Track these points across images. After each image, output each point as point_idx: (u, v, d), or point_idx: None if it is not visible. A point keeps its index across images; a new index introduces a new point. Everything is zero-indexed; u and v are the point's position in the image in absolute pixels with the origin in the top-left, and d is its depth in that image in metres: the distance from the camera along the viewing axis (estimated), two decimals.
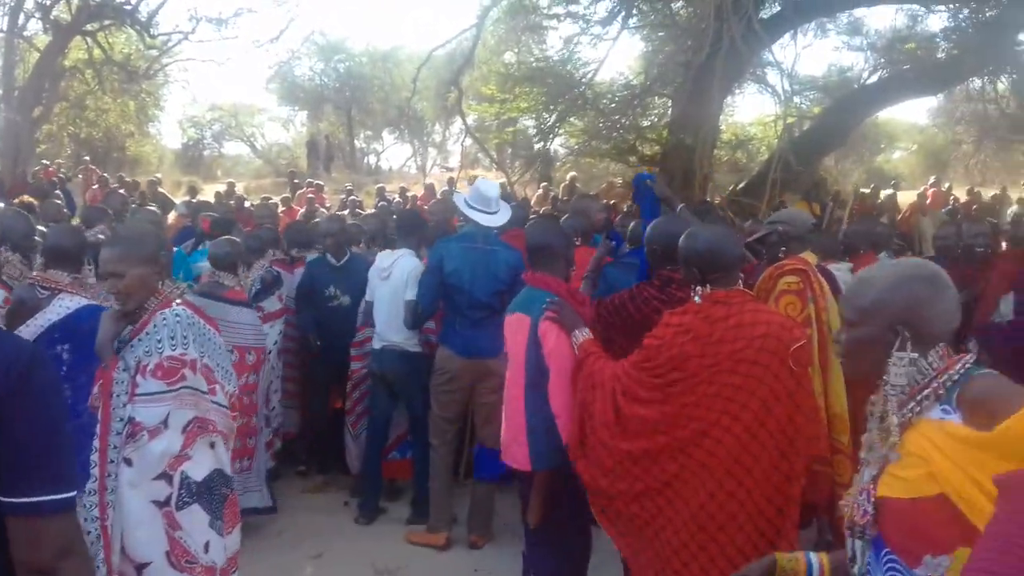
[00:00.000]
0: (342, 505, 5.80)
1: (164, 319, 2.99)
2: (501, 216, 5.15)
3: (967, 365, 1.97)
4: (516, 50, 24.69)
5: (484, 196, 5.09)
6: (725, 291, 3.15)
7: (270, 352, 5.53)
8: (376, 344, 5.47)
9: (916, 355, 1.98)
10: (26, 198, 8.74)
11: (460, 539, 5.18)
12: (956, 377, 1.97)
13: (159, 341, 2.96)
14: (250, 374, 5.08)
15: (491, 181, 5.67)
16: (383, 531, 5.35)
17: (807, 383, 3.18)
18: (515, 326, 3.54)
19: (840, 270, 5.53)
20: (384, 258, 5.53)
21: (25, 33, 22.23)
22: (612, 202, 13.89)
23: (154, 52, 23.64)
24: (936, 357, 2.00)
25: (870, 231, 6.42)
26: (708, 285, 3.14)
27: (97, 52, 22.08)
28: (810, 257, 4.26)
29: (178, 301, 3.09)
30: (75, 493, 1.64)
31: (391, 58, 35.85)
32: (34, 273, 3.84)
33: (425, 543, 5.12)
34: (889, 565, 1.97)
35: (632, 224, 5.89)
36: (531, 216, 9.22)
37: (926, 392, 1.98)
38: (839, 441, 3.99)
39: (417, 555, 5.02)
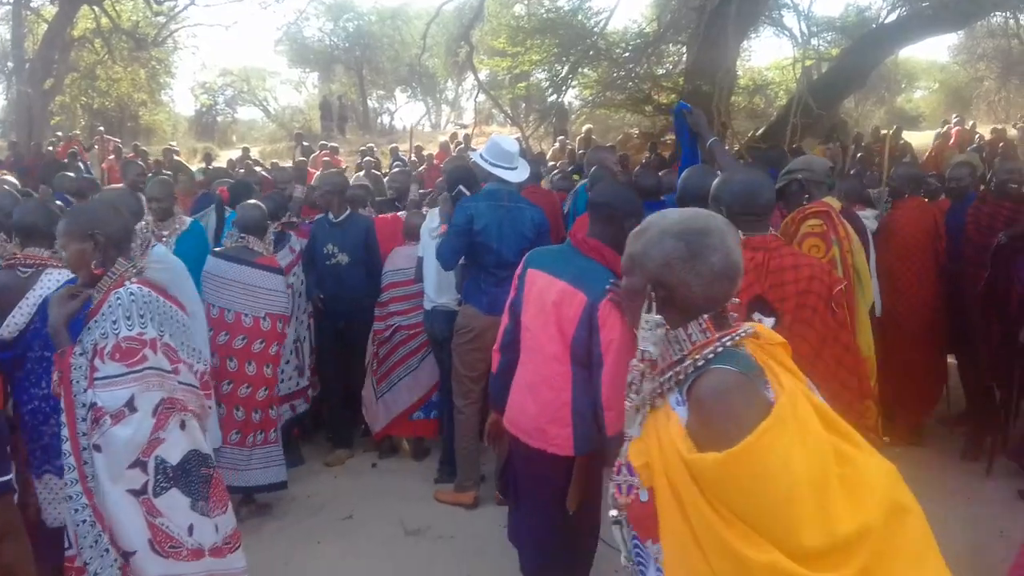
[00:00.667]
0: (370, 467, 5.81)
1: (118, 298, 2.88)
2: (522, 171, 5.06)
3: (718, 350, 1.72)
4: (526, 2, 24.40)
5: (504, 151, 4.96)
6: (761, 236, 3.08)
7: (298, 300, 5.66)
8: (427, 304, 5.48)
9: (660, 319, 1.75)
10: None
11: (487, 497, 5.19)
12: (700, 363, 1.72)
13: (114, 322, 2.84)
14: (275, 344, 5.04)
15: (508, 136, 5.54)
16: (411, 491, 5.37)
17: (849, 325, 3.15)
18: (565, 298, 3.08)
19: (867, 217, 5.48)
20: (433, 216, 5.48)
21: (32, 4, 22.17)
22: (627, 154, 13.76)
23: (161, 18, 23.55)
24: (697, 330, 1.75)
25: (916, 174, 6.36)
26: (741, 231, 3.02)
27: (105, 21, 22.01)
28: (833, 202, 4.17)
29: (133, 280, 2.97)
30: (7, 477, 1.57)
31: (400, 15, 35.47)
32: (14, 253, 3.75)
33: (454, 502, 5.13)
34: (634, 543, 1.89)
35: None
36: (549, 170, 9.12)
37: (677, 370, 1.75)
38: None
39: (446, 513, 5.03)
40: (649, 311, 1.76)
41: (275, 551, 4.63)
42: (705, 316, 1.75)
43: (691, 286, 1.74)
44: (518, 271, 3.39)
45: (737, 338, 1.75)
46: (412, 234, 5.82)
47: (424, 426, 5.90)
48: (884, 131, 17.23)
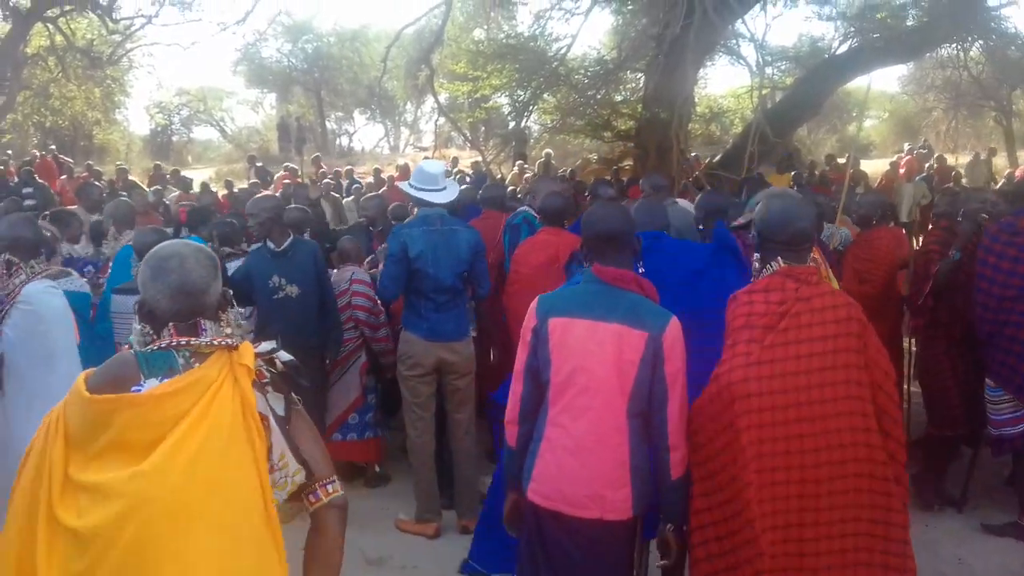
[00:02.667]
0: None
1: None
2: (449, 192, 5.08)
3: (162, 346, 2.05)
4: (486, 27, 24.52)
5: (429, 174, 5.03)
6: (800, 267, 2.91)
7: None
8: None
9: (142, 325, 2.08)
10: None
11: (450, 524, 5.14)
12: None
13: None
14: None
15: (434, 160, 5.60)
16: (369, 519, 5.28)
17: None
18: (624, 340, 2.81)
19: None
20: None
21: None
22: (582, 180, 13.83)
23: (117, 37, 23.25)
24: (167, 334, 2.06)
25: (885, 201, 6.44)
26: (781, 258, 2.91)
27: (59, 38, 21.73)
28: None
29: None
30: None
31: (359, 37, 35.46)
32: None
33: (416, 532, 5.07)
34: None
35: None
36: (511, 195, 9.12)
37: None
38: None
39: (406, 543, 4.97)
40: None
41: None
42: (171, 324, 2.05)
43: (158, 301, 2.06)
44: (531, 324, 2.97)
45: (171, 344, 2.03)
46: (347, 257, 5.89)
47: (354, 449, 5.82)
48: (840, 159, 17.58)
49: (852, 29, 16.49)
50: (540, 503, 2.91)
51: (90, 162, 20.39)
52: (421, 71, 18.25)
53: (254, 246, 5.62)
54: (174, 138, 37.31)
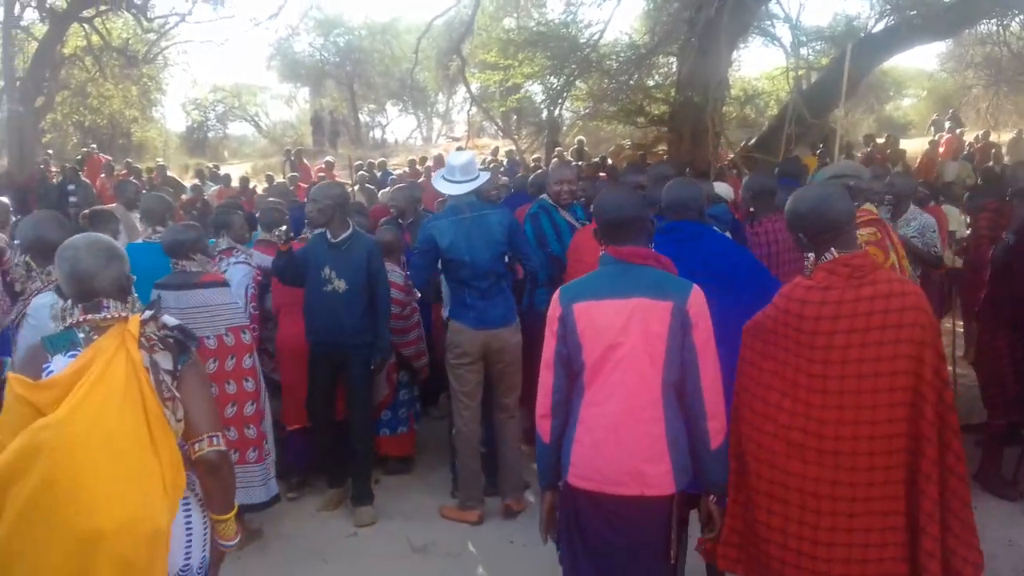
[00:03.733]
0: (373, 484, 5.77)
1: None
2: (470, 184, 5.02)
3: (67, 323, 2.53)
4: (516, 15, 24.48)
5: (450, 166, 5.11)
6: (849, 254, 2.79)
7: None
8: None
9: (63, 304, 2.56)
10: None
11: (493, 510, 5.17)
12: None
13: None
14: (247, 355, 4.81)
15: (462, 152, 5.51)
16: (416, 507, 5.34)
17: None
18: (649, 314, 2.82)
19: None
20: None
21: (22, 22, 22.11)
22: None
23: (152, 36, 23.49)
24: (75, 313, 2.50)
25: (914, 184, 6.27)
26: (830, 249, 2.80)
27: (95, 38, 21.95)
28: (873, 209, 4.16)
29: None
30: None
31: (390, 30, 35.51)
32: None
33: (459, 519, 5.11)
34: None
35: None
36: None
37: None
38: None
39: (452, 530, 5.01)
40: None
41: (279, 569, 4.60)
42: (79, 305, 2.48)
43: (63, 284, 2.53)
44: (556, 313, 2.97)
45: (73, 322, 2.49)
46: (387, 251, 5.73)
47: (393, 443, 5.88)
48: (879, 139, 17.31)
49: (889, 7, 16.21)
50: (581, 486, 2.90)
51: (129, 159, 20.69)
52: (452, 61, 18.31)
53: (316, 231, 5.41)
54: (210, 134, 37.64)
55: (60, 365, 2.43)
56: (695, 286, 2.85)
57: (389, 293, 5.27)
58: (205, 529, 2.70)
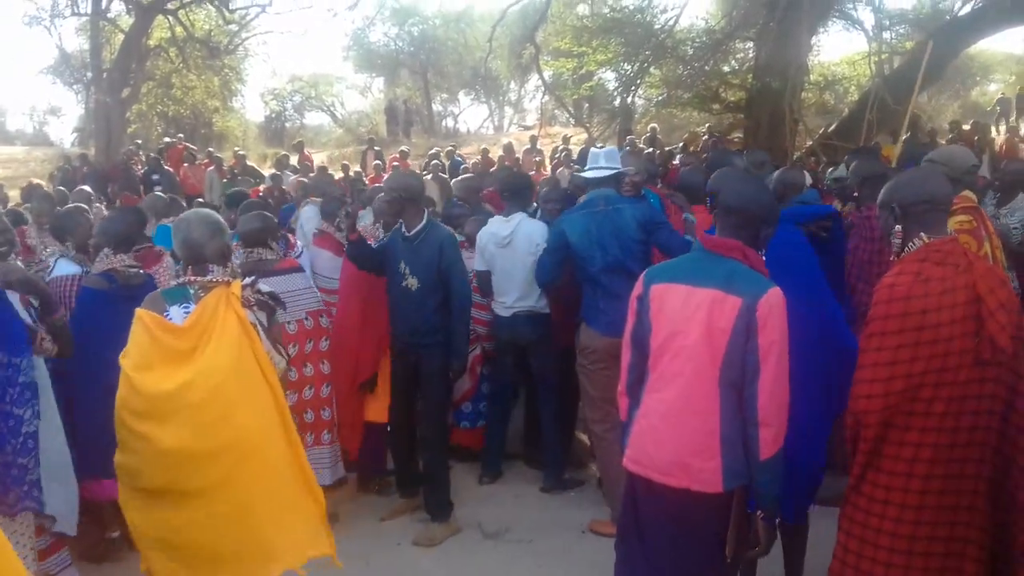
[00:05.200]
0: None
1: None
2: (600, 170, 4.81)
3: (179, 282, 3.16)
4: (590, 2, 24.30)
5: (594, 155, 4.93)
6: (940, 240, 2.69)
7: None
8: (504, 312, 5.35)
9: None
10: None
11: (565, 502, 5.18)
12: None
13: None
14: (324, 338, 4.92)
15: (603, 148, 5.35)
16: (487, 494, 5.38)
17: None
18: (716, 307, 2.73)
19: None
20: (500, 225, 5.37)
21: (109, 15, 22.84)
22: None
23: (233, 27, 24.03)
24: (185, 274, 3.16)
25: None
26: (919, 234, 2.71)
27: (179, 30, 22.54)
28: (971, 196, 4.02)
29: None
30: None
31: (464, 18, 35.67)
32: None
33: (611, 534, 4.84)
34: None
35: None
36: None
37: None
38: None
39: (523, 517, 5.03)
40: None
41: (354, 551, 4.66)
42: (189, 267, 3.13)
43: (177, 250, 3.20)
44: (636, 292, 2.96)
45: (185, 280, 3.13)
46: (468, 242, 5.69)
47: (468, 436, 5.85)
48: (966, 126, 16.74)
49: None
50: (633, 469, 2.91)
51: (211, 148, 21.19)
52: (526, 49, 18.26)
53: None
54: (287, 124, 38.36)
55: (176, 313, 3.03)
56: (774, 288, 2.72)
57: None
58: None
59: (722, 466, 2.73)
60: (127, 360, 2.93)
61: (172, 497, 2.94)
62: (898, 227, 2.74)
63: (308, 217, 6.80)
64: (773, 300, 2.70)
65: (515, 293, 5.30)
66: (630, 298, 3.00)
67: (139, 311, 2.98)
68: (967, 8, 15.77)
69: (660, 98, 17.60)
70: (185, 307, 3.03)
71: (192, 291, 3.06)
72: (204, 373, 2.88)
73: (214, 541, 2.96)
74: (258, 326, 3.10)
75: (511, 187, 5.50)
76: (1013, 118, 22.80)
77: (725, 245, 2.84)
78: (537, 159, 17.15)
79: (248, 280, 3.18)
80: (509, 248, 5.27)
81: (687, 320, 2.77)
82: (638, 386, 2.96)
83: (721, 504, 2.79)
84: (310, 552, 3.12)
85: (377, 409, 5.21)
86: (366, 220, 6.14)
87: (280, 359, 3.17)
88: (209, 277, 3.08)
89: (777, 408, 2.70)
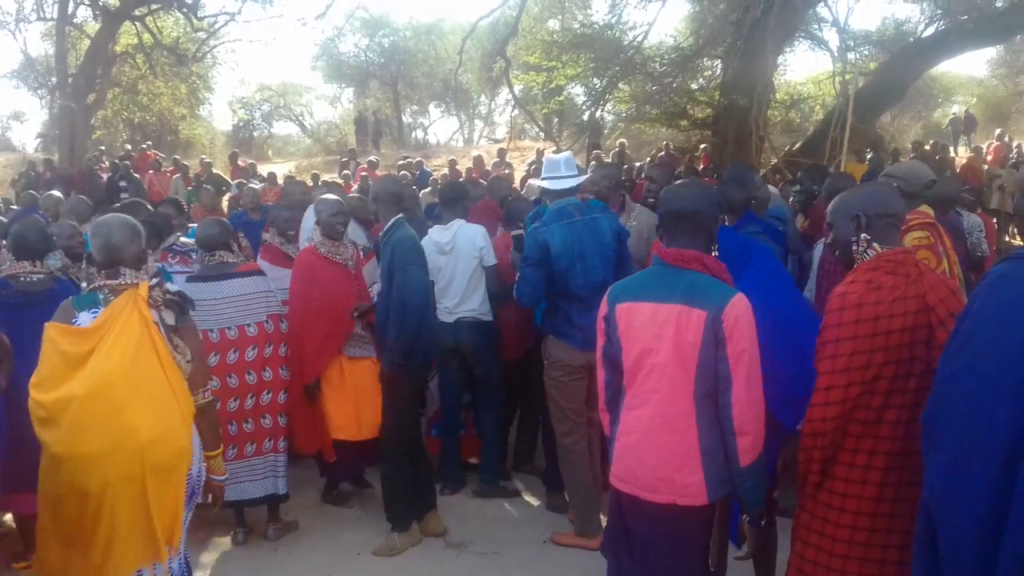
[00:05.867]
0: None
1: None
2: (574, 179, 4.67)
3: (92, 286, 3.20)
4: (560, 17, 24.49)
5: (551, 161, 4.75)
6: (892, 250, 2.70)
7: None
8: (447, 318, 5.27)
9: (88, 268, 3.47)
10: None
11: (530, 515, 5.17)
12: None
13: None
14: (283, 343, 4.83)
15: (559, 152, 5.29)
16: (451, 505, 5.34)
17: None
18: (682, 321, 2.73)
19: None
20: (441, 232, 5.36)
21: (75, 20, 22.61)
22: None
23: (202, 34, 23.89)
24: (98, 279, 3.18)
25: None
26: (875, 243, 2.72)
27: (147, 36, 22.40)
28: (928, 211, 4.07)
29: None
30: None
31: (435, 31, 35.76)
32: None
33: (582, 546, 4.61)
34: None
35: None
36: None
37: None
38: None
39: (487, 529, 5.01)
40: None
41: (316, 563, 4.64)
42: (102, 272, 3.14)
43: (95, 253, 3.17)
44: (602, 312, 2.96)
45: (96, 285, 3.16)
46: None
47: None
48: (927, 147, 17.05)
49: (939, 11, 15.99)
50: (619, 487, 2.91)
51: (176, 156, 21.00)
52: (496, 63, 18.33)
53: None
54: (255, 133, 38.15)
55: (85, 319, 3.07)
56: (738, 295, 2.73)
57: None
58: (200, 450, 3.32)
59: (705, 479, 2.75)
60: (34, 376, 3.01)
61: (71, 499, 2.99)
62: (864, 235, 2.77)
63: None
64: (739, 309, 2.71)
65: (456, 298, 5.28)
66: (598, 318, 3.00)
67: (47, 325, 3.03)
68: (930, 30, 16.12)
69: (629, 113, 17.73)
70: (94, 312, 3.08)
71: (102, 296, 3.10)
72: (91, 374, 2.93)
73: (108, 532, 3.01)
74: (161, 326, 3.12)
75: (447, 197, 5.52)
76: (970, 137, 23.27)
77: (683, 257, 2.83)
78: (506, 172, 17.19)
79: (155, 280, 3.21)
80: (452, 254, 5.28)
81: (656, 337, 2.78)
82: (616, 402, 2.98)
83: (705, 516, 2.82)
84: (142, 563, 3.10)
85: (341, 425, 5.01)
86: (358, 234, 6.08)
87: (181, 358, 3.17)
88: (119, 281, 3.11)
89: (754, 416, 2.72)
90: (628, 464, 2.87)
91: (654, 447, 2.80)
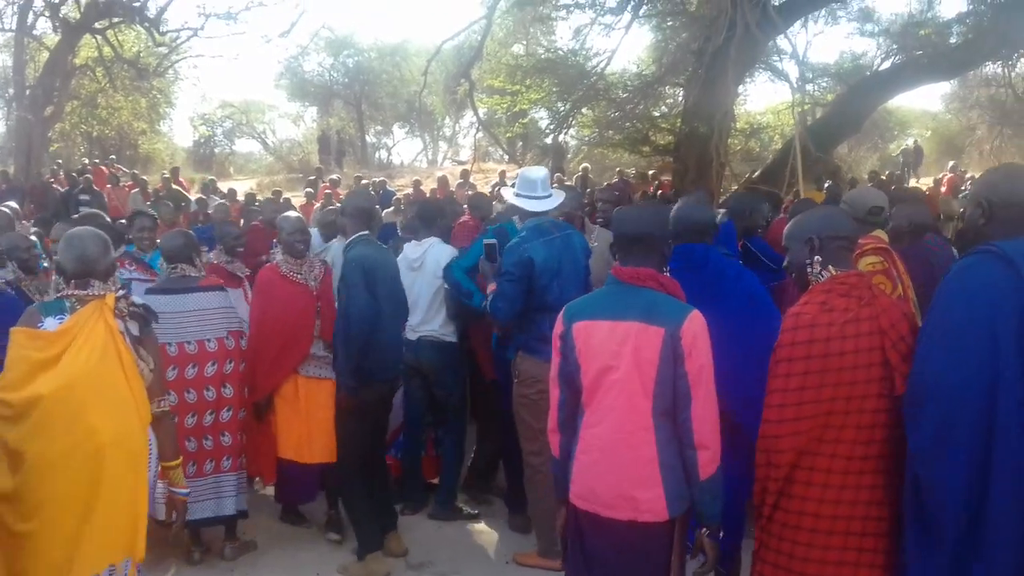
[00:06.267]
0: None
1: None
2: (553, 200, 4.70)
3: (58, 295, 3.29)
4: (525, 42, 24.68)
5: (529, 180, 4.70)
6: (846, 273, 2.79)
7: None
8: (411, 335, 5.28)
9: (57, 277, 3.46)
10: None
11: (492, 529, 5.16)
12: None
13: None
14: (241, 362, 4.84)
15: (535, 167, 5.32)
16: (411, 525, 5.31)
17: None
18: (641, 338, 2.78)
19: None
20: (412, 249, 5.42)
21: (35, 32, 22.34)
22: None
23: (164, 49, 23.70)
24: (66, 288, 3.23)
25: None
26: (830, 265, 2.80)
27: (107, 50, 22.17)
28: (882, 235, 4.16)
29: None
30: None
31: (400, 52, 35.79)
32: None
33: (541, 567, 4.62)
34: None
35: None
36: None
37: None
38: None
39: (447, 549, 4.99)
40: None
41: None
42: (72, 281, 3.19)
43: (67, 264, 3.21)
44: (559, 330, 2.98)
45: (64, 294, 3.20)
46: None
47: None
48: (883, 176, 17.40)
49: (895, 46, 16.43)
50: (578, 505, 2.92)
51: (135, 171, 20.78)
52: (460, 85, 18.41)
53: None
54: (216, 150, 37.84)
55: (51, 325, 3.13)
56: (694, 312, 2.79)
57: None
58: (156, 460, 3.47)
59: (664, 494, 2.77)
60: (0, 379, 3.08)
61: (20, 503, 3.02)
62: (818, 257, 2.84)
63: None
64: (696, 326, 2.76)
65: (419, 316, 5.28)
66: (553, 337, 3.02)
67: (14, 331, 3.12)
68: (886, 64, 16.52)
69: (591, 138, 17.90)
70: (60, 318, 3.14)
71: (68, 304, 3.17)
72: (58, 376, 3.01)
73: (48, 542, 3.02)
74: (126, 335, 3.20)
75: (424, 214, 5.56)
76: (917, 169, 23.86)
77: (639, 275, 2.88)
78: (469, 192, 17.26)
79: (121, 292, 3.29)
80: (419, 271, 5.30)
81: (615, 355, 2.81)
82: (570, 422, 2.98)
83: (665, 532, 2.84)
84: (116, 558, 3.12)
85: (290, 445, 4.96)
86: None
87: (145, 367, 3.27)
88: (88, 292, 3.17)
89: (712, 429, 2.76)
90: (587, 482, 2.88)
91: (613, 464, 2.82)
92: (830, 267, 2.81)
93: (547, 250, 4.47)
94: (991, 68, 16.95)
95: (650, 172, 16.06)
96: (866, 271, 3.66)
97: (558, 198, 4.76)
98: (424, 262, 5.31)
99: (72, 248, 3.20)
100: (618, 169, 17.84)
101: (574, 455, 2.95)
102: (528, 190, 4.68)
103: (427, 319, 5.31)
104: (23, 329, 3.11)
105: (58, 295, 3.25)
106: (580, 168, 17.95)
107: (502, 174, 18.96)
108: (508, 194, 4.90)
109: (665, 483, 2.77)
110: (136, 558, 3.14)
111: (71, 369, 3.02)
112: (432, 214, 5.58)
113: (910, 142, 28.38)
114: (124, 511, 3.11)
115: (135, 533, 3.13)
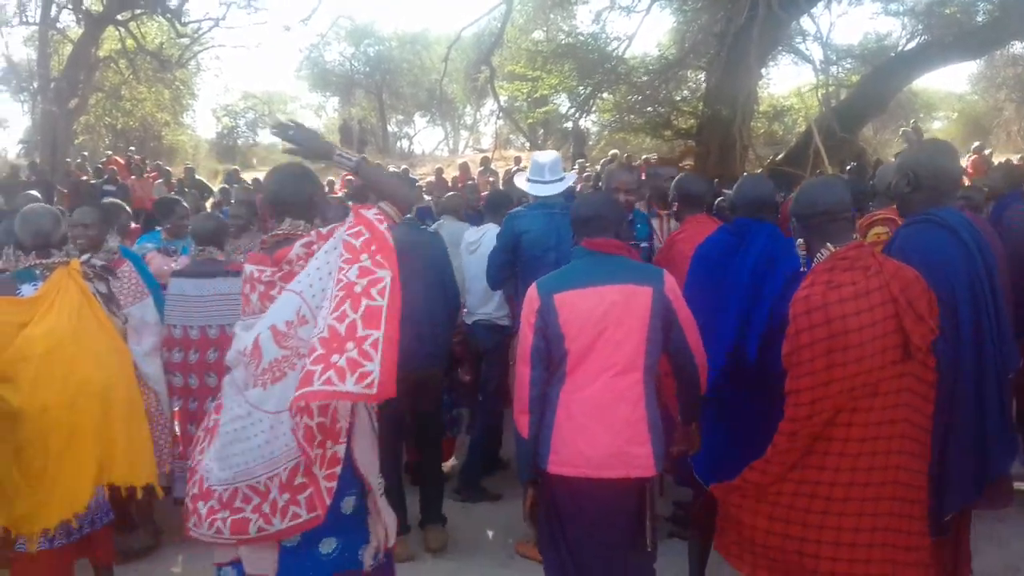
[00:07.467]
0: None
1: None
2: (560, 184, 4.78)
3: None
4: (545, 27, 24.59)
5: (538, 164, 4.80)
6: (844, 247, 2.78)
7: None
8: (468, 319, 5.40)
9: (16, 252, 3.61)
10: None
11: (502, 514, 5.15)
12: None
13: None
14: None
15: (546, 151, 5.30)
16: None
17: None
18: (632, 299, 2.95)
19: None
20: (472, 233, 5.58)
21: (58, 24, 22.48)
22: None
23: (186, 40, 23.79)
24: (30, 258, 3.54)
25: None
26: (828, 242, 2.81)
27: (130, 42, 22.25)
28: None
29: None
30: None
31: (420, 40, 35.79)
32: None
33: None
34: None
35: None
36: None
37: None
38: None
39: (458, 532, 4.96)
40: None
41: None
42: (33, 252, 3.51)
43: (25, 239, 3.52)
44: (535, 306, 3.02)
45: (31, 263, 3.51)
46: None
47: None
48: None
49: (920, 26, 16.19)
50: (564, 472, 2.94)
51: (159, 162, 20.92)
52: (481, 72, 18.36)
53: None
54: (239, 140, 38.02)
55: (28, 291, 3.43)
56: (665, 272, 3.08)
57: None
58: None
59: (652, 450, 2.93)
60: None
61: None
62: (800, 240, 2.85)
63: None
64: (672, 282, 3.05)
65: (474, 299, 5.41)
66: (525, 315, 3.06)
67: None
68: (911, 44, 16.29)
69: (612, 122, 17.80)
70: (34, 284, 3.43)
71: (39, 271, 3.48)
72: (46, 334, 3.26)
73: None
74: (97, 295, 3.57)
75: (491, 202, 5.96)
76: None
77: (609, 244, 3.08)
78: (491, 179, 17.24)
79: (84, 257, 3.69)
80: (476, 255, 5.37)
81: (604, 317, 2.93)
82: (542, 399, 3.01)
83: (643, 490, 3.00)
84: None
85: None
86: None
87: (119, 321, 3.67)
88: (52, 260, 3.51)
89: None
90: (576, 446, 2.93)
91: (608, 423, 2.92)
92: (828, 244, 2.80)
93: (545, 222, 4.56)
94: (1018, 47, 16.65)
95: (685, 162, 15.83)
96: (870, 240, 3.64)
97: (567, 181, 4.86)
98: (481, 245, 5.36)
99: (28, 224, 3.55)
100: (626, 155, 17.68)
101: (552, 425, 2.98)
102: (536, 175, 4.80)
103: (483, 302, 5.34)
104: (3, 297, 3.39)
105: (26, 265, 3.53)
106: (609, 154, 17.83)
107: (517, 160, 18.91)
108: (520, 180, 4.97)
109: (653, 440, 2.94)
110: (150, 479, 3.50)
111: (57, 329, 3.30)
112: (500, 202, 5.84)
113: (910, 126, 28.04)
114: (136, 439, 3.48)
115: (147, 455, 3.54)
